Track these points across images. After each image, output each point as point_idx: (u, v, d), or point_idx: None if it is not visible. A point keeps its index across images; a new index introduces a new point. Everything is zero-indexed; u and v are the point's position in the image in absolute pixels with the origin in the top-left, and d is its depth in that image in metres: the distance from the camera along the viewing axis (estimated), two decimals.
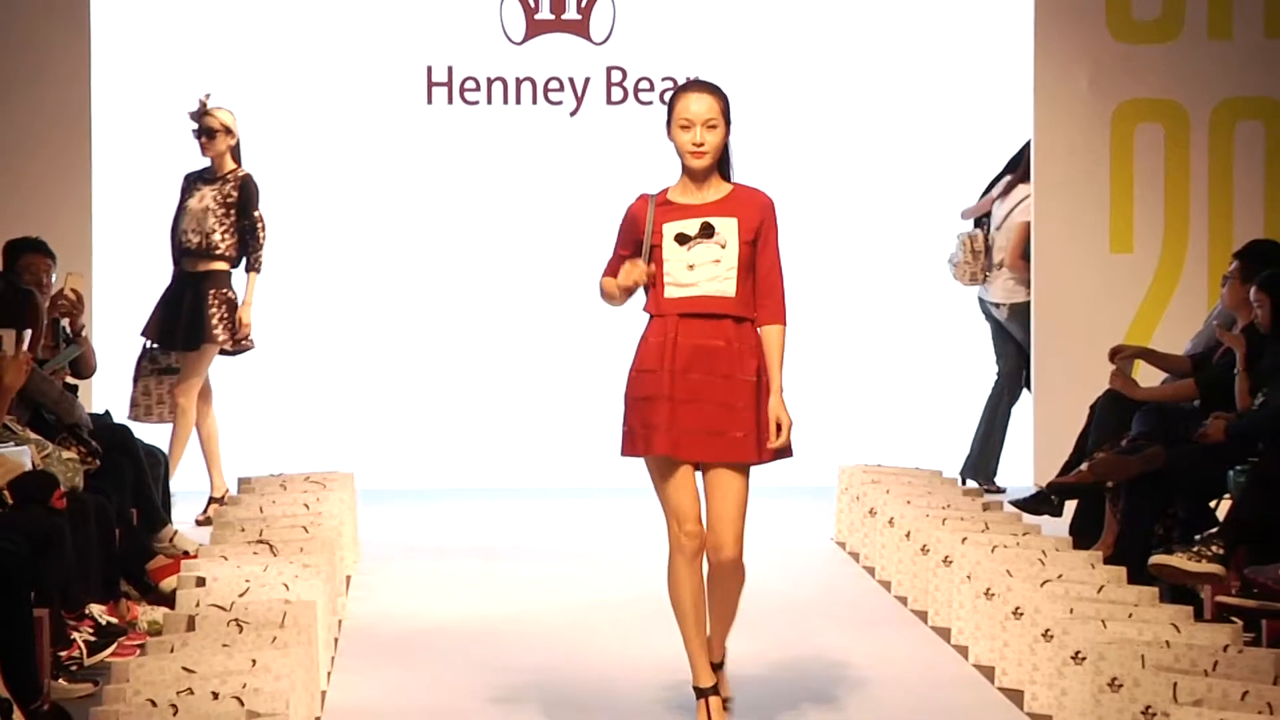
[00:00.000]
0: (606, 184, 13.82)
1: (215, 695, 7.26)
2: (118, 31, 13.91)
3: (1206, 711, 7.04)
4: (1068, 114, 13.91)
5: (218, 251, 12.43)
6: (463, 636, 9.94)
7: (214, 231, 12.37)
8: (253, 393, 13.86)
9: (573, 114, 14.15)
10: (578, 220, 14.02)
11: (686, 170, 7.72)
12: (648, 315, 7.73)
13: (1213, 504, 10.21)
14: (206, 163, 12.59)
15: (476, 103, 14.09)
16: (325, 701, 8.63)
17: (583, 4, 14.03)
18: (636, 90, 14.13)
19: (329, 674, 9.08)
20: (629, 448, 7.71)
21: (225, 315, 12.53)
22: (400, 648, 9.71)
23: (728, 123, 7.65)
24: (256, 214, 12.52)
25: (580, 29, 14.09)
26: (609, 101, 14.13)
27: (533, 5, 14.05)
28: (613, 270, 7.79)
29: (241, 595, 8.88)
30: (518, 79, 14.10)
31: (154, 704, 7.21)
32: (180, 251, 12.50)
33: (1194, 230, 13.91)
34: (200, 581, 9.23)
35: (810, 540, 11.70)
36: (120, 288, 13.52)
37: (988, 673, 9.03)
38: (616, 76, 14.14)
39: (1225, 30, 13.89)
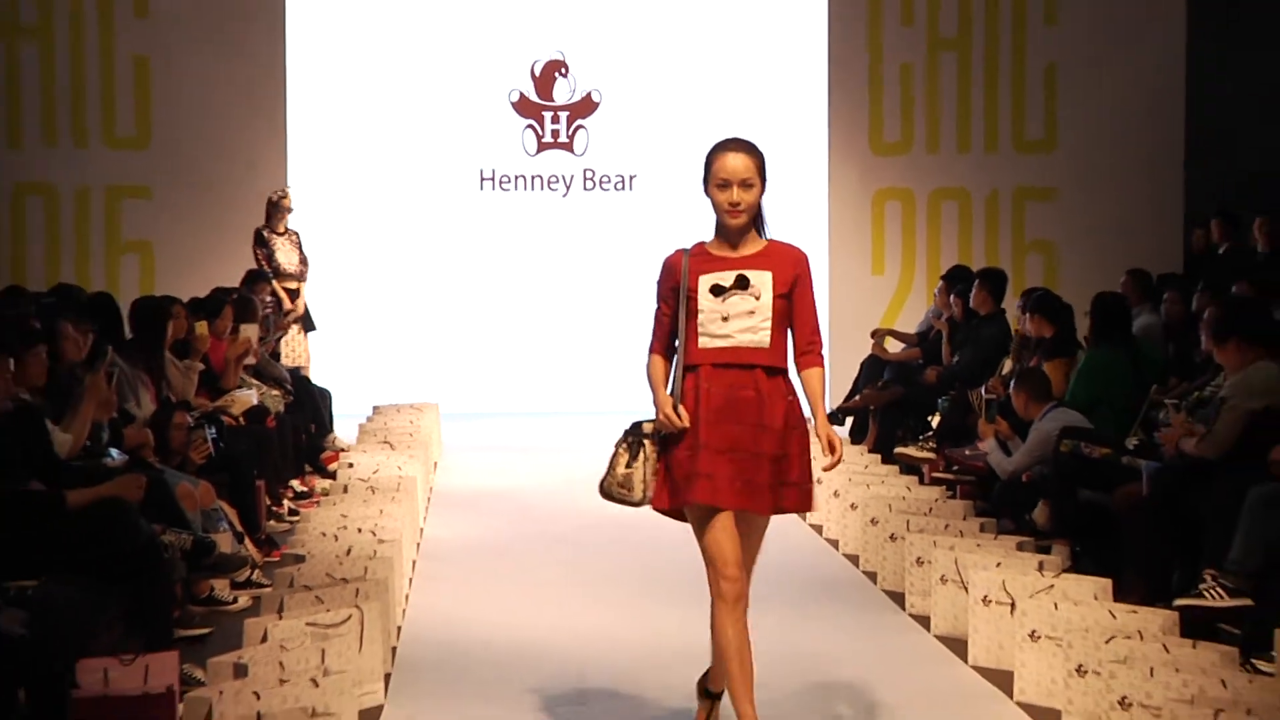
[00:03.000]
0: (584, 236, 13.96)
1: (359, 530, 7.31)
2: (308, 116, 13.80)
3: (926, 535, 7.10)
4: (848, 195, 13.91)
5: (300, 276, 12.26)
6: (504, 497, 9.92)
7: (297, 264, 12.22)
8: (383, 354, 13.81)
9: (564, 196, 14.03)
10: (569, 254, 14.01)
11: (721, 227, 4.89)
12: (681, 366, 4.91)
13: (930, 419, 10.27)
14: (259, 221, 12.32)
15: (509, 189, 13.99)
16: (423, 535, 8.65)
17: (570, 133, 13.95)
18: (601, 183, 14.01)
19: (425, 518, 9.09)
20: (666, 499, 4.84)
21: None
22: (466, 504, 9.68)
23: (763, 181, 4.86)
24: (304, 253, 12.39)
25: (568, 147, 13.98)
26: (584, 189, 14.02)
27: (539, 133, 13.95)
28: (660, 337, 4.93)
29: (374, 473, 8.92)
30: (532, 176, 13.98)
31: (324, 535, 7.23)
32: (279, 275, 12.09)
33: (918, 261, 13.91)
34: (350, 465, 9.26)
35: None
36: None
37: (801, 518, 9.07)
38: (590, 175, 14.00)
39: (935, 148, 13.91)
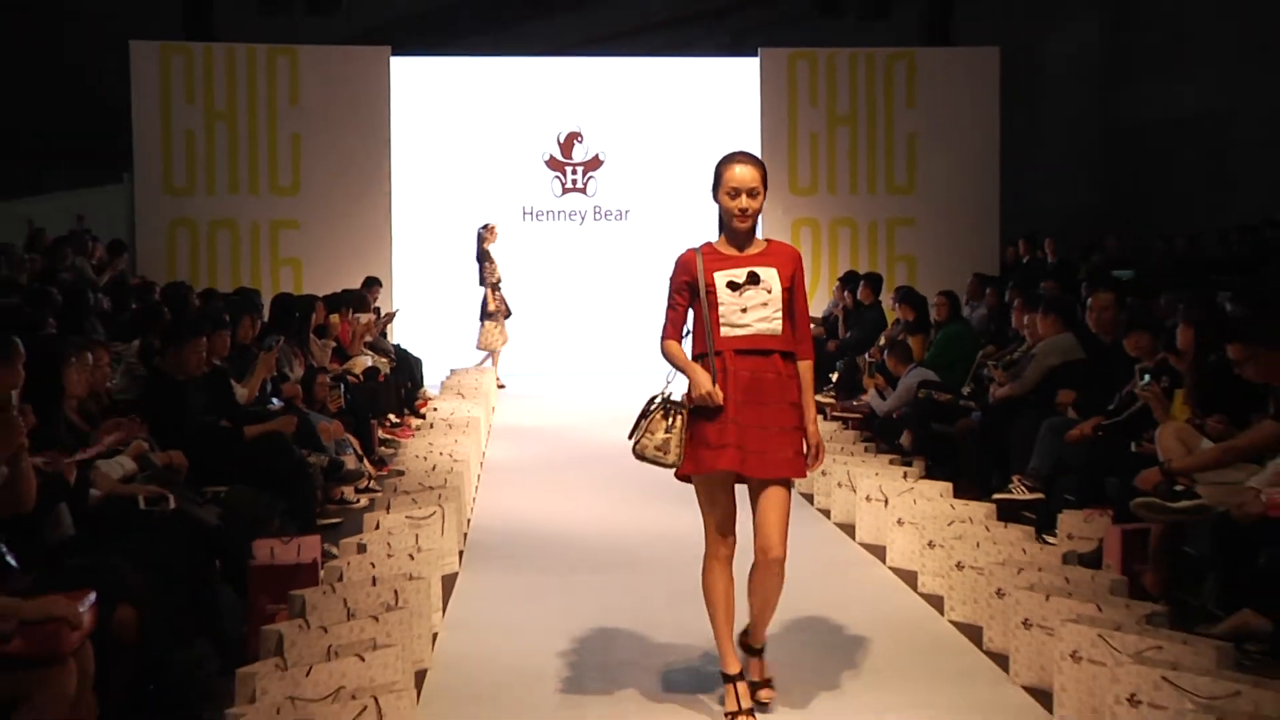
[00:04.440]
0: (594, 254, 13.82)
1: (441, 453, 7.29)
2: (405, 171, 13.57)
3: (828, 454, 7.07)
4: (774, 222, 13.66)
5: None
6: (542, 431, 9.82)
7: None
8: (458, 333, 13.62)
9: (580, 225, 13.92)
10: (584, 265, 13.78)
11: (729, 229, 3.86)
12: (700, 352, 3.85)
13: (831, 375, 10.26)
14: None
15: (542, 220, 13.89)
16: (485, 457, 8.58)
17: (584, 181, 13.82)
18: (606, 216, 13.89)
19: (486, 445, 9.01)
20: (690, 467, 3.80)
21: None
22: (514, 435, 9.59)
23: (765, 190, 3.85)
24: None
25: (583, 190, 13.87)
26: (594, 221, 13.93)
27: (563, 181, 13.81)
28: (675, 324, 3.84)
29: (451, 414, 8.88)
30: (558, 211, 13.84)
31: (417, 456, 7.22)
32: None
33: (823, 268, 13.85)
34: (435, 409, 9.23)
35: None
36: (410, 294, 13.31)
37: None
38: (599, 209, 13.90)
39: (834, 190, 13.83)
